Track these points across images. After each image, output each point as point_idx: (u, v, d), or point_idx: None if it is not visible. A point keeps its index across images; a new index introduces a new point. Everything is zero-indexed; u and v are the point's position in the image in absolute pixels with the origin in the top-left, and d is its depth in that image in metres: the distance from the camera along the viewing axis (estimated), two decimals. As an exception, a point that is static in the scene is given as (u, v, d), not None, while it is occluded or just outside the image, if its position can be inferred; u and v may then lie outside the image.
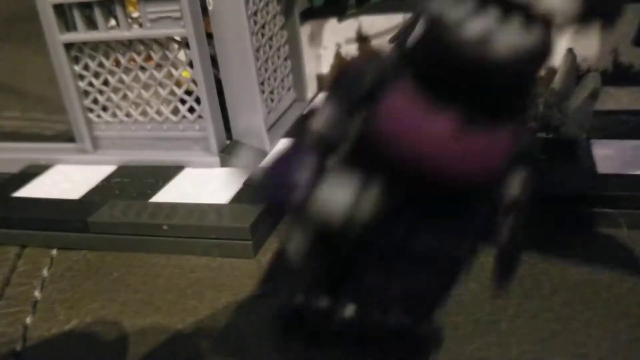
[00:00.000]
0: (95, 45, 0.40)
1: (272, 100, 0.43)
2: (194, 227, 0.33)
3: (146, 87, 0.40)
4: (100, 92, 0.41)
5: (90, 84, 0.41)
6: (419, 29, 0.17)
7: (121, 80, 0.40)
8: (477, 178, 0.17)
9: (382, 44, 0.48)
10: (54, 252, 0.36)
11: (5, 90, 0.57)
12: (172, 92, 0.40)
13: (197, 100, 0.39)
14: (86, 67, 0.41)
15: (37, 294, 0.32)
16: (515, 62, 0.15)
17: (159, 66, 0.39)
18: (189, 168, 0.40)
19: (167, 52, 0.38)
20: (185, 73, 0.39)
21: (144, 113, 0.41)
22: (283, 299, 0.22)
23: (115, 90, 0.41)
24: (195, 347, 0.27)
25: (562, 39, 0.43)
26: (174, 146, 0.41)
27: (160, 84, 0.40)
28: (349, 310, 0.21)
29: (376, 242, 0.19)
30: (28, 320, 0.30)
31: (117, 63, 0.40)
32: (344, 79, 0.19)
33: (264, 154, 0.40)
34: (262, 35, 0.41)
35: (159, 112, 0.40)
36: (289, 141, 0.21)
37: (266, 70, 0.41)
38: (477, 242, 0.20)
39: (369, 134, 0.18)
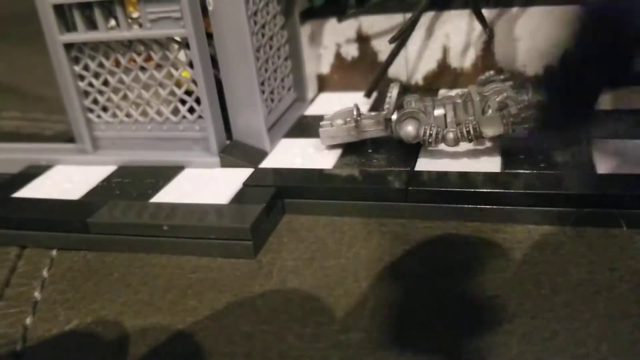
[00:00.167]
0: (95, 46, 0.40)
1: (272, 100, 0.43)
2: (194, 227, 0.33)
3: (146, 87, 0.40)
4: (100, 92, 0.41)
5: (90, 84, 0.41)
6: None
7: (121, 81, 0.40)
8: None
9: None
10: (54, 252, 0.36)
11: (5, 90, 0.57)
12: (172, 93, 0.40)
13: (197, 101, 0.39)
14: (86, 68, 0.41)
15: (37, 294, 0.32)
16: None
17: (159, 66, 0.39)
18: (189, 168, 0.40)
19: (167, 53, 0.38)
20: (185, 73, 0.39)
21: (144, 113, 0.41)
22: None
23: (115, 90, 0.41)
24: (196, 348, 0.27)
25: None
26: (174, 146, 0.41)
27: (161, 84, 0.40)
28: None
29: None
30: (28, 321, 0.30)
31: (117, 63, 0.40)
32: None
33: (264, 154, 0.40)
34: (262, 35, 0.41)
35: (159, 113, 0.40)
36: None
37: (266, 70, 0.41)
38: None
39: None
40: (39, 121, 0.53)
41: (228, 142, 0.41)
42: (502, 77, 0.39)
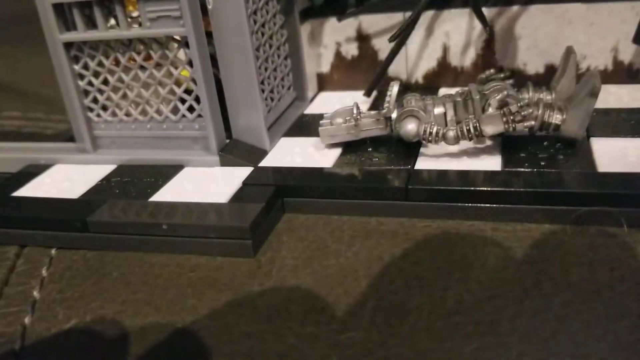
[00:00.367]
0: (94, 45, 0.40)
1: (272, 99, 0.43)
2: (193, 226, 0.33)
3: (146, 86, 0.40)
4: (100, 91, 0.41)
5: (90, 83, 0.41)
6: None
7: (121, 80, 0.40)
8: None
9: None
10: (53, 251, 0.36)
11: (5, 89, 0.57)
12: (172, 91, 0.39)
13: (197, 99, 0.39)
14: (86, 67, 0.41)
15: (36, 293, 0.32)
16: None
17: (158, 65, 0.39)
18: (188, 167, 0.40)
19: (167, 51, 0.38)
20: (184, 72, 0.39)
21: (143, 112, 0.41)
22: None
23: (115, 89, 0.41)
24: (196, 347, 0.27)
25: (562, 37, 0.43)
26: (173, 145, 0.41)
27: (160, 83, 0.39)
28: None
29: None
30: (27, 320, 0.30)
31: (117, 62, 0.40)
32: None
33: (264, 153, 0.40)
34: (262, 34, 0.41)
35: (158, 111, 0.40)
36: None
37: (266, 69, 0.41)
38: None
39: None
40: (38, 120, 0.53)
41: (228, 141, 0.40)
42: (502, 75, 0.39)
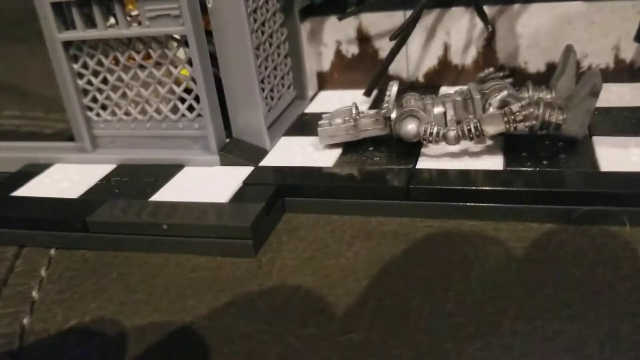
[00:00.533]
0: (94, 44, 0.39)
1: (272, 98, 0.42)
2: (193, 226, 0.33)
3: (145, 85, 0.40)
4: (99, 90, 0.41)
5: (89, 83, 0.41)
6: None
7: (120, 79, 0.40)
8: None
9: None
10: (53, 251, 0.36)
11: (4, 89, 0.57)
12: (172, 91, 0.39)
13: (197, 99, 0.39)
14: (85, 66, 0.40)
15: (34, 294, 0.32)
16: None
17: (158, 64, 0.39)
18: (188, 167, 0.40)
19: (166, 50, 0.38)
20: (184, 71, 0.39)
21: (143, 111, 0.41)
22: None
23: (114, 88, 0.41)
24: (195, 347, 0.27)
25: (562, 36, 0.43)
26: (173, 145, 0.41)
27: (160, 82, 0.39)
28: None
29: None
30: (25, 320, 0.30)
31: (116, 61, 0.40)
32: None
33: (264, 152, 0.40)
34: (262, 32, 0.40)
35: (158, 111, 0.40)
36: None
37: (266, 68, 0.41)
38: None
39: None
40: (38, 120, 0.53)
41: (228, 140, 0.40)
42: (501, 74, 0.39)
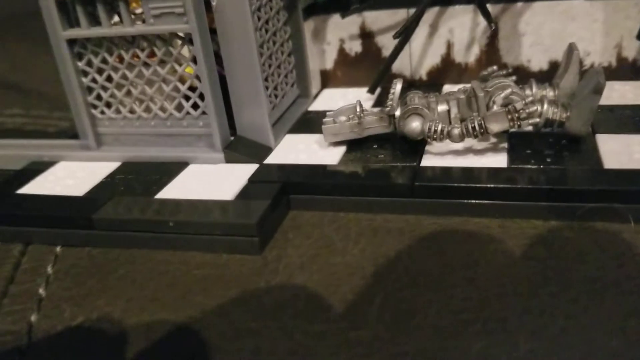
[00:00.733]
0: (98, 42, 0.40)
1: (276, 96, 0.42)
2: (199, 223, 0.33)
3: (149, 83, 0.40)
4: (104, 88, 0.41)
5: (94, 80, 0.41)
6: None
7: (124, 77, 0.40)
8: None
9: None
10: (58, 249, 0.36)
11: (8, 87, 0.57)
12: (176, 88, 0.39)
13: (201, 97, 0.39)
14: (89, 64, 0.40)
15: (41, 291, 0.32)
16: None
17: (162, 62, 0.39)
18: (193, 164, 0.40)
19: (171, 48, 0.38)
20: (188, 69, 0.39)
21: (147, 109, 0.41)
22: None
23: (119, 86, 0.41)
24: (202, 344, 0.27)
25: (566, 33, 0.43)
26: (178, 142, 0.41)
27: (164, 80, 0.39)
28: None
29: None
30: (33, 317, 0.30)
31: (121, 59, 0.40)
32: None
33: (269, 150, 0.40)
34: (266, 30, 0.40)
35: (162, 109, 0.40)
36: None
37: (270, 66, 0.41)
38: None
39: None
40: (42, 118, 0.53)
41: (232, 138, 0.40)
42: (504, 72, 0.39)
